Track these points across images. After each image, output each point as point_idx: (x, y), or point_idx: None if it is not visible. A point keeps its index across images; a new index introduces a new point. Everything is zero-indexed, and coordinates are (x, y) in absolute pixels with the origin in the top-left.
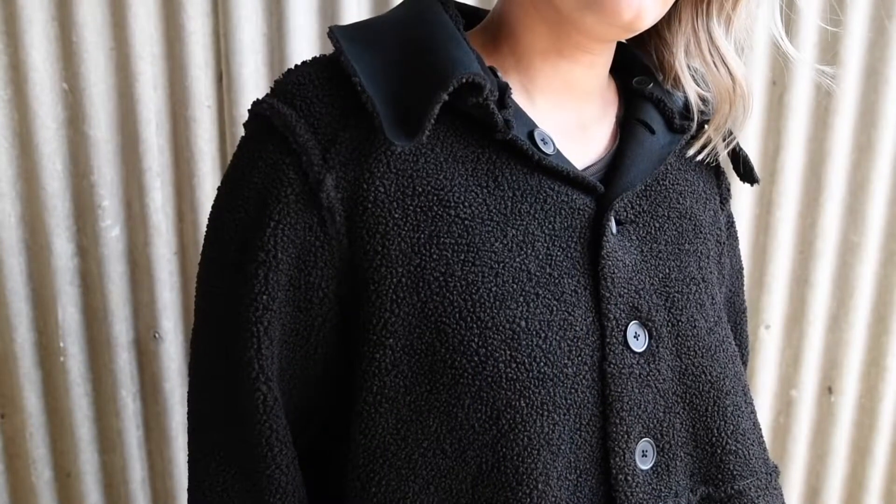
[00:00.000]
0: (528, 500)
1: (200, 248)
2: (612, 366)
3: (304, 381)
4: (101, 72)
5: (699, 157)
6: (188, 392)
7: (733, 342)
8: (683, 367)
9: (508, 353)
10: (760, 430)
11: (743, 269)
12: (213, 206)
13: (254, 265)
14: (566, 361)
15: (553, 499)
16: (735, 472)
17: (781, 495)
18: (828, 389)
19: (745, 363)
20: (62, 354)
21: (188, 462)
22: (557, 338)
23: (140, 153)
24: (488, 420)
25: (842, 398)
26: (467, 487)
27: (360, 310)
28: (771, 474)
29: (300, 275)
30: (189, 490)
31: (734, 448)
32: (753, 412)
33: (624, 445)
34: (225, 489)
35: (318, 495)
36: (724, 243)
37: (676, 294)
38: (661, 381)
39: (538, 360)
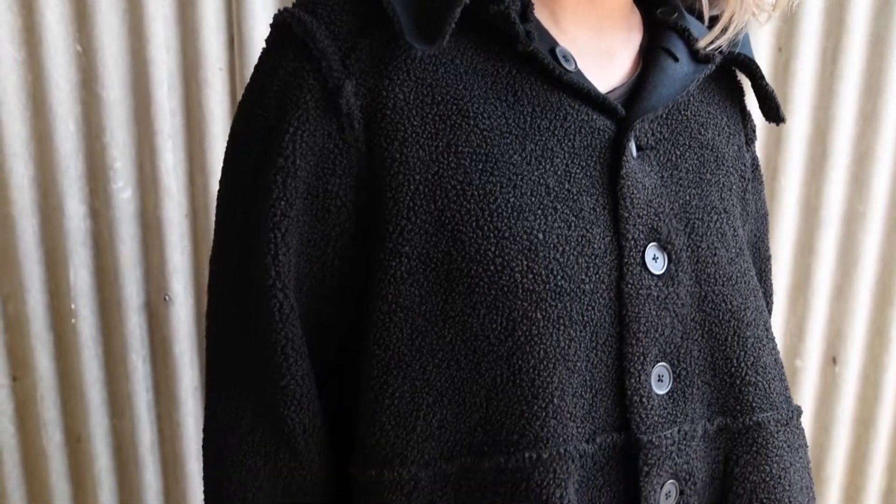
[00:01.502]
0: (544, 413)
1: (211, 211)
2: (629, 286)
3: (320, 295)
4: (115, 33)
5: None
6: (207, 311)
7: (755, 277)
8: (703, 293)
9: (525, 263)
10: (783, 367)
11: (768, 214)
12: (232, 123)
13: (272, 171)
14: (583, 277)
15: (568, 415)
16: (754, 405)
17: (803, 435)
18: (832, 360)
19: (769, 312)
20: (74, 317)
21: (206, 384)
22: (575, 253)
23: (152, 115)
24: (504, 332)
25: (846, 369)
26: (481, 401)
27: (377, 218)
28: (793, 412)
29: (318, 182)
30: (205, 412)
31: (754, 380)
32: (776, 349)
33: (640, 367)
34: (240, 405)
35: (331, 410)
36: (748, 180)
37: (697, 221)
38: (680, 305)
39: (555, 273)
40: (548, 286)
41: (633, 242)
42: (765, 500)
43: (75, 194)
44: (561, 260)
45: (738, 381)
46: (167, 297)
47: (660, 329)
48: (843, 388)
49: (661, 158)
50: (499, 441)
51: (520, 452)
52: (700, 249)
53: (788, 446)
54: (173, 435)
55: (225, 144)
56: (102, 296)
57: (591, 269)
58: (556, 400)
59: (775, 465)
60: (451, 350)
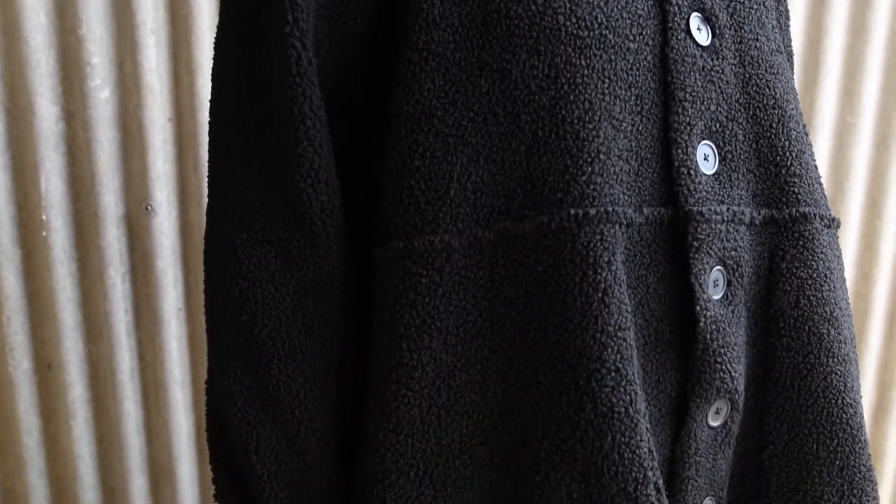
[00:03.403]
0: (589, 168)
1: (199, 113)
2: (674, 51)
3: (341, 59)
4: None
5: None
6: (211, 94)
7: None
8: (747, 75)
9: (568, 6)
10: (821, 177)
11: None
12: None
13: None
14: (628, 34)
15: (615, 176)
16: (800, 197)
17: (841, 251)
18: None
19: None
20: (45, 229)
21: (208, 176)
22: (618, 7)
23: (133, 7)
24: (546, 79)
25: None
26: (521, 158)
27: None
28: (834, 219)
29: None
30: (207, 211)
31: (798, 171)
32: (814, 156)
33: (686, 139)
34: (249, 187)
35: (349, 196)
36: None
37: (738, 4)
38: (724, 83)
39: (599, 20)
40: (592, 33)
41: (676, 8)
42: (812, 298)
43: (47, 93)
44: (605, 10)
45: (783, 171)
46: (149, 208)
47: (705, 102)
48: None
49: None
50: (541, 201)
51: (564, 210)
52: (743, 31)
53: (832, 251)
54: (155, 361)
55: (213, 40)
56: (77, 206)
57: (636, 27)
58: (601, 156)
59: (821, 263)
60: (487, 102)
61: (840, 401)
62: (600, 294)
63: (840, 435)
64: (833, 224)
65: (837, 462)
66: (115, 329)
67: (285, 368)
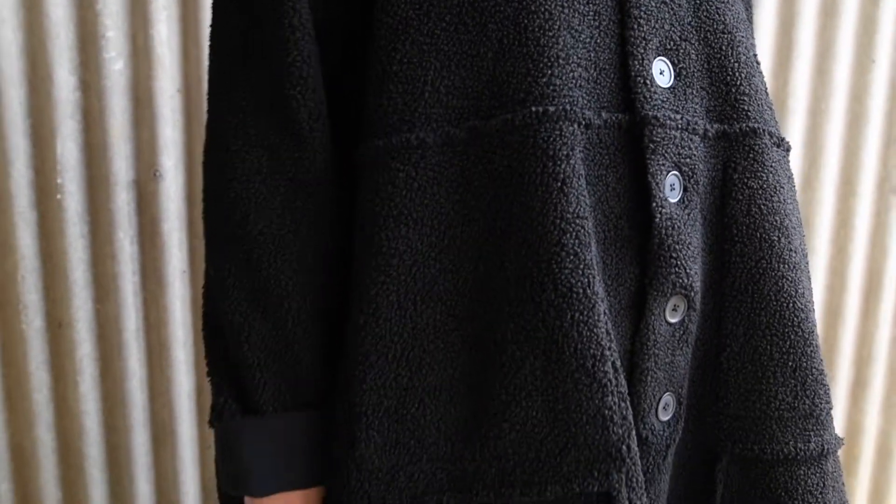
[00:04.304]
0: (549, 71)
1: (204, 86)
2: None
3: None
4: None
5: None
6: (211, 23)
7: (746, 18)
8: (697, 2)
9: None
10: (772, 105)
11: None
12: None
13: None
14: None
15: (573, 81)
16: (749, 114)
17: (792, 173)
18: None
19: None
20: (59, 192)
21: (208, 95)
22: None
23: None
24: None
25: (813, 258)
26: (488, 63)
27: None
28: (784, 140)
29: None
30: (207, 128)
31: (748, 91)
32: (765, 83)
33: (642, 52)
34: (242, 97)
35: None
36: None
37: None
38: (677, 5)
39: None
40: None
41: None
42: (763, 207)
43: (65, 64)
44: None
45: (733, 90)
46: (157, 173)
47: (659, 21)
48: (815, 277)
49: None
50: (506, 101)
51: (526, 108)
52: None
53: (782, 168)
54: (159, 321)
55: None
56: (90, 171)
57: None
58: (560, 61)
59: (771, 175)
60: (458, 13)
61: (791, 304)
62: (559, 184)
63: (792, 337)
64: (783, 144)
65: (790, 363)
66: (123, 289)
67: (275, 263)
